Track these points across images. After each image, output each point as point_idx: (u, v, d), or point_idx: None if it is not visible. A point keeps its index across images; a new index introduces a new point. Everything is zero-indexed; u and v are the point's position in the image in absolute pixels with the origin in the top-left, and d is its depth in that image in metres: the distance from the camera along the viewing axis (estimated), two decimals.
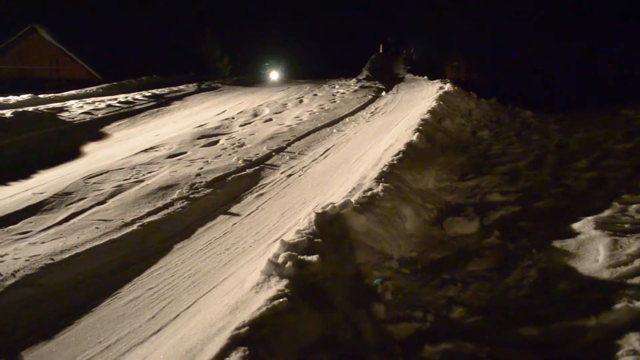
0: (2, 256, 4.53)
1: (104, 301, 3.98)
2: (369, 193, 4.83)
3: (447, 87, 13.74)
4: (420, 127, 7.92)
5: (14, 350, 3.38)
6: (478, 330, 3.14)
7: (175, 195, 6.16)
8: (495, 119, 10.67)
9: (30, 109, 12.20)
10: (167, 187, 6.47)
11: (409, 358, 2.93)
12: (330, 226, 4.10)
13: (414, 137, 7.23)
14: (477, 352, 2.89)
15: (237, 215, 5.71)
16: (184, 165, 7.60)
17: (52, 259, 4.48)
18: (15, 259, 4.47)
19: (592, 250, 3.87)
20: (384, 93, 16.77)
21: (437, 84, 16.87)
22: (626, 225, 4.22)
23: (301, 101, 14.91)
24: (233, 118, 12.05)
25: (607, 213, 4.63)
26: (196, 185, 6.53)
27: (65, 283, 4.25)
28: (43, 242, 4.91)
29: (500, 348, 2.90)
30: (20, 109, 11.94)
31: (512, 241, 4.38)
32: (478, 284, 3.75)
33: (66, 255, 4.58)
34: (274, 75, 28.96)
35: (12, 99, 14.35)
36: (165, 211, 5.73)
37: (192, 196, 6.16)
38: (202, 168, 7.37)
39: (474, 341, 2.98)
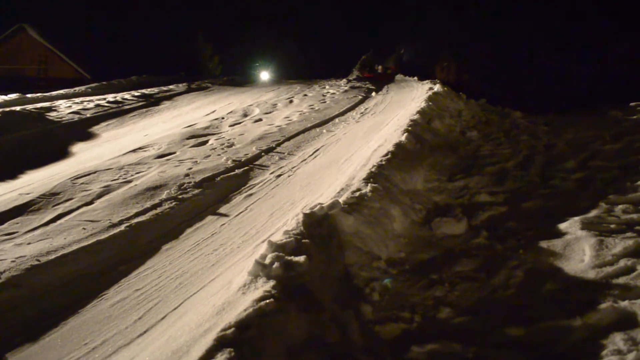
0: None
1: (90, 302, 3.95)
2: (358, 194, 4.83)
3: (437, 87, 13.79)
4: (410, 128, 7.94)
5: None
6: (465, 331, 3.16)
7: (163, 196, 6.13)
8: (484, 120, 10.72)
9: (18, 108, 12.10)
10: (156, 188, 6.44)
11: (396, 358, 2.94)
12: (319, 227, 4.09)
13: (403, 138, 7.25)
14: (464, 352, 2.90)
15: (225, 215, 5.69)
16: (172, 166, 7.57)
17: (38, 260, 4.44)
18: (0, 260, 4.43)
19: (578, 250, 3.89)
20: (373, 94, 16.79)
21: (426, 84, 16.92)
22: (612, 226, 4.25)
23: (291, 101, 14.90)
24: (223, 118, 12.01)
25: (593, 213, 4.66)
26: (185, 185, 6.51)
27: (52, 284, 4.21)
28: (29, 243, 4.86)
29: (487, 348, 2.91)
30: (8, 109, 11.83)
31: (499, 241, 4.40)
32: (465, 284, 3.76)
33: (52, 257, 4.55)
34: (265, 75, 28.96)
35: (0, 98, 14.24)
36: (154, 212, 5.70)
37: (180, 197, 6.13)
38: (191, 168, 7.34)
39: (461, 341, 2.99)
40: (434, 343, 3.00)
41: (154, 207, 5.82)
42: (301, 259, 3.33)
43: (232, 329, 2.56)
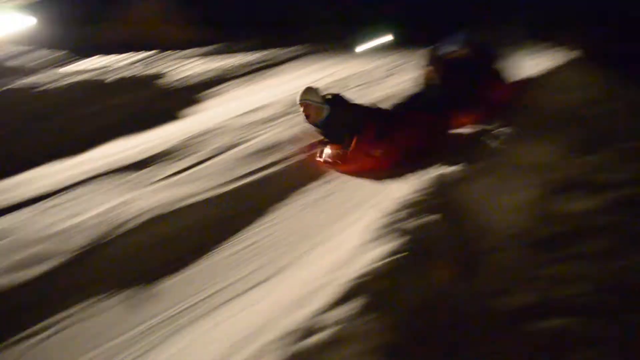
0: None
1: (211, 250, 4.22)
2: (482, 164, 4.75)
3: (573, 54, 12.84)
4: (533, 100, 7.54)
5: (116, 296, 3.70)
6: (589, 307, 3.02)
7: (277, 158, 6.24)
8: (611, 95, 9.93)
9: (131, 72, 12.33)
10: (270, 148, 6.55)
11: (513, 331, 2.84)
12: (445, 191, 4.08)
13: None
14: (588, 327, 2.79)
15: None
16: (287, 127, 7.59)
17: (163, 210, 4.74)
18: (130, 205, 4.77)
19: None
20: None
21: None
22: None
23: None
24: (343, 79, 11.64)
25: None
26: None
27: (172, 232, 4.54)
28: (161, 191, 5.21)
29: (613, 325, 2.79)
30: (120, 74, 12.01)
31: (631, 220, 4.08)
32: (591, 262, 3.54)
33: (176, 207, 4.84)
34: (384, 38, 27.57)
35: (113, 59, 14.56)
36: (265, 172, 5.86)
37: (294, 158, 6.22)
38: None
39: (585, 317, 2.86)
40: (555, 318, 2.87)
41: (267, 167, 5.97)
42: (430, 218, 3.33)
43: (368, 277, 2.60)
